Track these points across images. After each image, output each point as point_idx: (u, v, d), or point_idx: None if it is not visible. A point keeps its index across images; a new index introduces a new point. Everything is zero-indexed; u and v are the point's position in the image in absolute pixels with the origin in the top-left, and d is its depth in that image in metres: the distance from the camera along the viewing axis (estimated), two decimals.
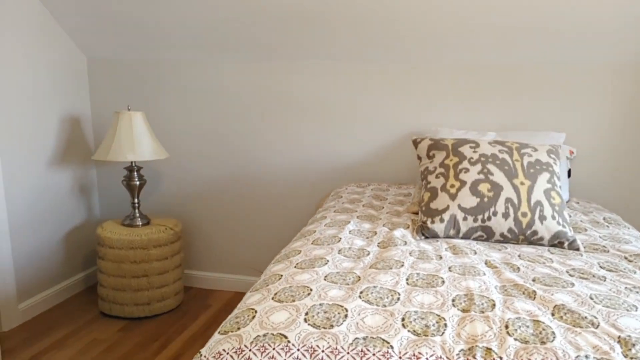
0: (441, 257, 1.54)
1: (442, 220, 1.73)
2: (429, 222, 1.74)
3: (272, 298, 1.26)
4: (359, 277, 1.38)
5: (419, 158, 1.99)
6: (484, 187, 1.73)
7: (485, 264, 1.50)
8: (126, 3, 2.63)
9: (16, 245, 2.68)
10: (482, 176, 1.76)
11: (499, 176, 1.75)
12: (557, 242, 1.69)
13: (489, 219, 1.70)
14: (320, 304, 1.21)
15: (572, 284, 1.35)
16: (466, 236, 1.75)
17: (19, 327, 2.67)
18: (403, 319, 1.14)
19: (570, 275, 1.43)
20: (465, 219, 1.72)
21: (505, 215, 1.70)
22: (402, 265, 1.45)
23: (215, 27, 2.67)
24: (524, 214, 1.69)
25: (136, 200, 2.85)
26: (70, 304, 2.97)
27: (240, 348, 1.09)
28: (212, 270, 3.22)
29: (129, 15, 2.71)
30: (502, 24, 2.33)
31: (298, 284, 1.33)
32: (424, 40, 2.51)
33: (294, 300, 1.23)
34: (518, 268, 1.48)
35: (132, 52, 2.99)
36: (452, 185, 1.77)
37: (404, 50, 2.60)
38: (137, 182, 2.82)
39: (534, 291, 1.29)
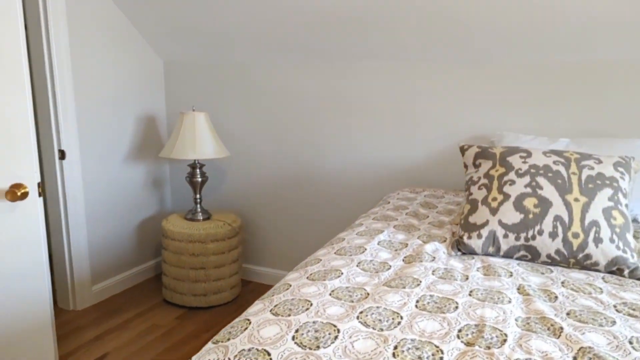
0: (467, 278, 1.40)
1: (479, 236, 1.58)
2: (465, 237, 1.60)
3: (270, 310, 1.23)
4: (368, 294, 1.30)
5: (465, 166, 1.83)
6: (529, 202, 1.55)
7: (518, 289, 1.34)
8: (198, 11, 2.72)
9: (91, 232, 2.91)
10: (529, 190, 1.57)
11: (548, 190, 1.55)
12: (616, 268, 1.47)
13: (534, 238, 1.52)
14: (314, 322, 1.15)
15: (613, 322, 1.16)
16: (508, 255, 1.58)
17: (91, 307, 2.91)
18: (395, 347, 1.05)
19: (616, 310, 1.23)
20: (506, 236, 1.55)
21: (553, 235, 1.50)
22: (418, 285, 1.34)
23: (278, 30, 2.68)
24: (576, 235, 1.48)
25: (198, 196, 2.96)
26: (139, 289, 3.17)
27: None
28: (270, 266, 3.26)
29: (200, 22, 2.81)
30: (580, 18, 2.07)
31: (301, 296, 1.29)
32: (490, 38, 2.31)
33: (289, 315, 1.19)
34: (556, 297, 1.30)
35: (204, 55, 3.10)
36: (494, 199, 1.61)
37: (469, 49, 2.41)
38: (199, 179, 2.93)
39: (561, 328, 1.12)
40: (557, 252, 1.50)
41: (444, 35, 2.39)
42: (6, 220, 1.74)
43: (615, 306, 1.26)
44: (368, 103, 2.76)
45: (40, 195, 1.86)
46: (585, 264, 1.49)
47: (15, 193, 1.73)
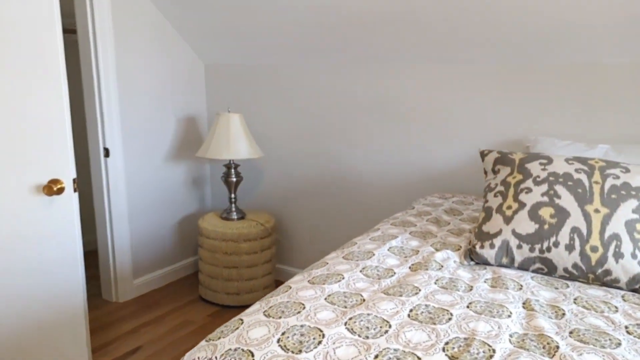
0: (471, 289, 1.35)
1: (492, 246, 1.52)
2: (477, 247, 1.55)
3: (264, 311, 1.25)
4: (363, 300, 1.29)
5: (485, 172, 1.77)
6: (545, 212, 1.47)
7: (523, 304, 1.28)
8: (237, 15, 2.80)
9: (134, 228, 3.06)
10: (545, 199, 1.49)
11: (567, 200, 1.47)
12: (639, 286, 1.37)
13: (549, 250, 1.45)
14: (302, 325, 1.16)
15: (619, 344, 1.08)
16: (523, 267, 1.51)
17: (132, 300, 3.06)
18: (376, 356, 1.04)
19: (627, 332, 1.15)
20: (519, 247, 1.49)
21: (570, 248, 1.42)
22: (417, 294, 1.31)
23: (314, 34, 2.70)
24: (594, 248, 1.40)
25: (233, 196, 3.04)
26: (178, 285, 3.30)
27: (210, 359, 1.11)
28: (304, 267, 3.29)
29: (240, 26, 2.88)
30: (622, 17, 1.94)
31: (296, 299, 1.30)
32: (527, 38, 2.21)
33: (280, 317, 1.20)
34: (563, 314, 1.23)
35: (243, 58, 3.18)
36: (509, 207, 1.54)
37: (504, 50, 2.32)
38: (234, 179, 3.01)
39: (557, 347, 1.06)
40: (575, 266, 1.42)
41: (478, 36, 2.31)
42: (44, 214, 1.86)
43: (626, 327, 1.17)
44: (402, 106, 2.72)
45: (75, 190, 1.98)
46: (605, 280, 1.40)
47: (52, 188, 1.85)
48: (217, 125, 2.87)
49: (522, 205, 1.52)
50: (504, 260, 1.52)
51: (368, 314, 1.20)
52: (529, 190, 1.53)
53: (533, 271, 1.51)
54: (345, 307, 1.25)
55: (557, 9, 2.01)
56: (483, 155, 1.78)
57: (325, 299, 1.29)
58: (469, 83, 2.51)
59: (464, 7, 2.18)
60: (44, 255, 1.88)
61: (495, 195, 1.61)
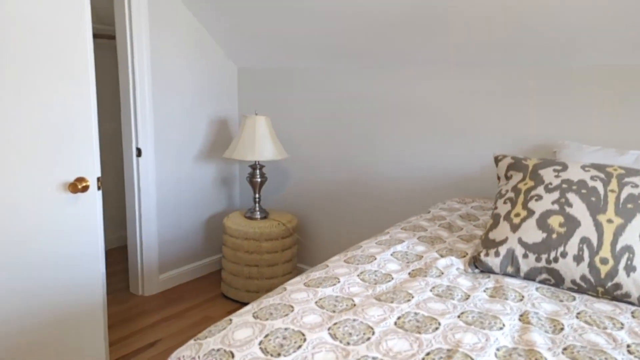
0: (467, 298, 1.31)
1: (497, 254, 1.46)
2: (482, 254, 1.49)
3: (254, 312, 1.25)
4: (354, 305, 1.27)
5: (498, 178, 1.71)
6: (554, 221, 1.40)
7: (520, 316, 1.23)
8: (269, 20, 2.83)
9: (161, 226, 3.15)
10: (556, 207, 1.42)
11: (578, 209, 1.39)
12: None
13: (556, 260, 1.38)
14: (286, 328, 1.15)
15: None
16: (529, 277, 1.44)
17: (157, 295, 3.15)
18: None
19: (628, 351, 1.08)
20: (525, 256, 1.42)
21: (578, 259, 1.35)
22: (409, 301, 1.28)
23: (343, 37, 2.69)
24: (604, 261, 1.32)
25: (257, 195, 3.07)
26: (201, 281, 3.37)
27: (194, 358, 1.12)
28: None
29: (271, 30, 2.92)
30: None
31: (288, 302, 1.29)
32: (554, 39, 2.12)
33: (267, 319, 1.20)
34: (561, 329, 1.17)
35: (274, 61, 3.21)
36: (517, 214, 1.48)
37: (531, 52, 2.23)
38: (259, 179, 3.04)
39: None
40: (583, 278, 1.34)
41: (504, 38, 2.23)
42: (69, 210, 1.93)
43: (629, 346, 1.10)
44: (426, 109, 2.67)
45: (99, 188, 2.05)
46: (615, 295, 1.32)
47: (77, 186, 1.92)
48: (244, 127, 2.91)
49: (530, 212, 1.45)
50: (509, 270, 1.46)
51: (354, 320, 1.18)
52: (539, 197, 1.46)
53: (540, 282, 1.44)
54: (334, 311, 1.23)
55: (582, 8, 1.91)
56: (497, 160, 1.72)
57: (316, 302, 1.28)
58: (495, 87, 2.42)
59: (487, 11, 2.11)
60: (67, 251, 1.96)
61: (504, 202, 1.54)
